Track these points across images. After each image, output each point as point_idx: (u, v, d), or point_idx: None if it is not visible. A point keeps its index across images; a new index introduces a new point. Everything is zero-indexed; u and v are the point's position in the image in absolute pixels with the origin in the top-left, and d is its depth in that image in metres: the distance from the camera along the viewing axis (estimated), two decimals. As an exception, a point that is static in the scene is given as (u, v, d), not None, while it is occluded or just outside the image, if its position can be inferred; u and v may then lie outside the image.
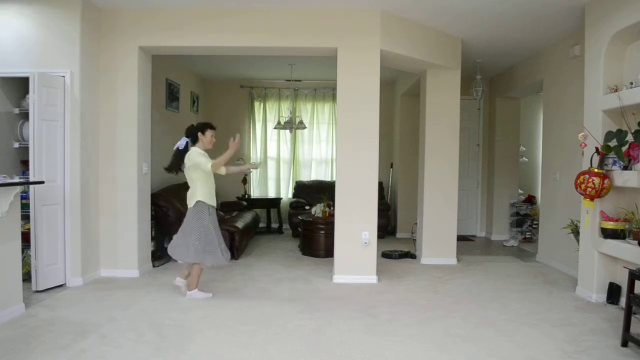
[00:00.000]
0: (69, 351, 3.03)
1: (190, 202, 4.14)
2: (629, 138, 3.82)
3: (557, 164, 5.70)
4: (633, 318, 3.28)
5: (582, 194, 4.04)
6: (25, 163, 4.72)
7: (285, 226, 8.49)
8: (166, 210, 5.92)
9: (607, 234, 4.09)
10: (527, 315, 3.90)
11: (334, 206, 5.12)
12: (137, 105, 4.99)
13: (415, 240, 6.40)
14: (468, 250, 6.78)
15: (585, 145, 4.24)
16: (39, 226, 4.31)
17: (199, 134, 4.21)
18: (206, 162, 4.07)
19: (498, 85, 7.71)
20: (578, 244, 4.63)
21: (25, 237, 4.24)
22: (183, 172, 4.20)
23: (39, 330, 3.37)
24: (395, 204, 8.33)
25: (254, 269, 5.50)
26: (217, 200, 4.25)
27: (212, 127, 4.28)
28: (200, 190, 4.11)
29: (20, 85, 4.75)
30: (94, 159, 4.91)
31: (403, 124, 8.04)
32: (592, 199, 3.99)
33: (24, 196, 4.31)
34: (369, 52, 4.95)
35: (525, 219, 7.59)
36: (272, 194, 8.81)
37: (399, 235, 8.05)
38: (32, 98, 4.28)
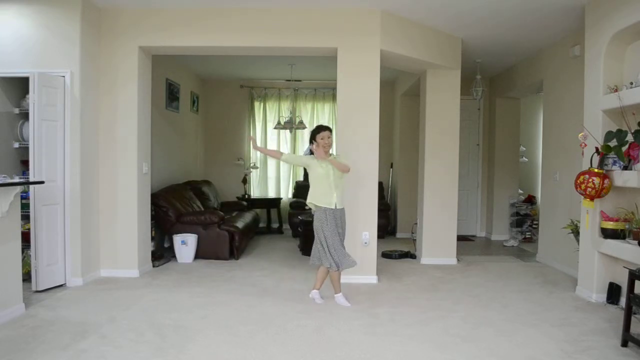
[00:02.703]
0: (69, 351, 3.03)
1: None
2: (629, 138, 3.82)
3: (557, 164, 5.69)
4: (633, 318, 3.28)
5: (582, 194, 4.04)
6: (25, 163, 4.72)
7: (285, 226, 8.48)
8: (166, 210, 5.92)
9: (607, 234, 4.09)
10: (527, 315, 3.90)
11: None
12: (137, 105, 4.98)
13: (415, 240, 6.40)
14: (468, 250, 6.78)
15: (585, 145, 4.24)
16: (39, 226, 4.31)
17: (311, 145, 4.12)
18: (302, 158, 4.20)
19: (498, 85, 7.71)
20: (578, 244, 4.63)
21: (25, 237, 4.24)
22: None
23: (39, 330, 3.37)
24: (395, 204, 8.33)
25: (254, 268, 5.50)
26: (337, 200, 4.02)
27: (318, 131, 4.08)
28: (316, 191, 4.06)
29: (20, 85, 4.75)
30: (94, 159, 4.91)
31: (403, 124, 8.03)
32: (592, 199, 3.99)
33: (24, 196, 4.31)
34: (369, 52, 4.95)
35: (525, 219, 7.59)
36: (272, 194, 8.82)
37: (399, 235, 8.04)
38: (32, 98, 4.28)
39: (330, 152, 4.14)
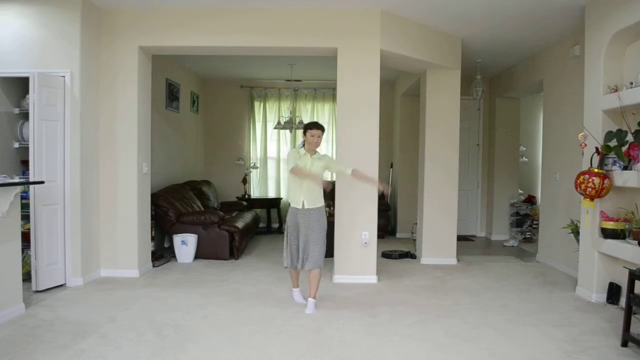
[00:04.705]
0: (69, 351, 3.03)
1: None
2: (629, 138, 3.82)
3: (557, 164, 5.69)
4: (633, 318, 3.28)
5: (582, 194, 4.04)
6: (25, 163, 4.72)
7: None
8: (166, 210, 5.92)
9: (607, 234, 4.09)
10: (527, 315, 3.90)
11: (334, 206, 5.12)
12: (137, 105, 4.98)
13: (415, 240, 6.40)
14: (468, 250, 6.78)
15: (585, 145, 4.24)
16: (39, 226, 4.30)
17: (303, 136, 4.07)
18: (288, 165, 3.99)
19: (498, 85, 7.71)
20: (578, 244, 4.63)
21: (25, 237, 4.24)
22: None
23: (39, 330, 3.37)
24: (395, 204, 8.33)
25: (254, 269, 5.50)
26: (305, 200, 3.96)
27: (310, 127, 4.02)
28: (289, 191, 4.06)
29: (20, 85, 4.75)
30: (94, 159, 4.91)
31: (403, 124, 8.03)
32: (592, 199, 3.99)
33: (24, 196, 4.31)
34: (369, 52, 4.94)
35: (525, 219, 7.59)
36: (272, 194, 8.81)
37: (399, 235, 8.04)
38: (32, 98, 4.28)
39: (317, 150, 4.09)
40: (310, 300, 3.99)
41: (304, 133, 4.05)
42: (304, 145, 4.09)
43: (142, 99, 5.10)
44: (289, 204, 4.08)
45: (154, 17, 4.93)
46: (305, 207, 3.97)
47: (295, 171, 3.97)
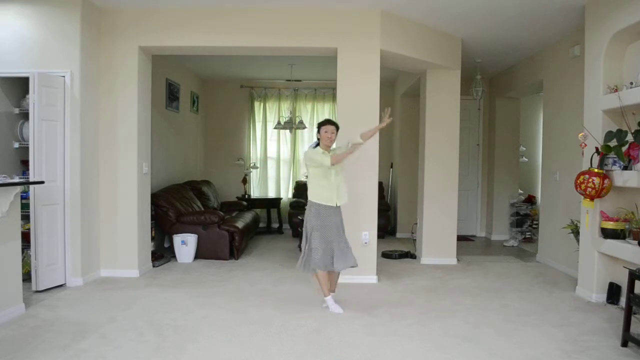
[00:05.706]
0: (69, 351, 3.03)
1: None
2: (629, 138, 3.82)
3: (557, 164, 5.69)
4: (633, 318, 3.28)
5: (582, 194, 4.04)
6: (25, 163, 4.73)
7: (285, 226, 8.49)
8: (166, 210, 5.92)
9: (607, 234, 4.09)
10: (527, 315, 3.90)
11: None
12: (137, 105, 4.98)
13: (415, 240, 6.40)
14: (468, 250, 6.78)
15: (585, 145, 4.24)
16: (39, 226, 4.30)
17: (317, 134, 4.06)
18: (323, 159, 3.89)
19: (498, 85, 7.71)
20: (578, 244, 4.63)
21: (25, 237, 4.24)
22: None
23: (39, 330, 3.37)
24: (395, 204, 8.33)
25: (254, 269, 5.50)
26: (338, 197, 3.95)
27: (323, 124, 4.03)
28: (311, 190, 4.00)
29: (20, 85, 4.75)
30: (94, 159, 4.91)
31: (403, 124, 8.03)
32: (592, 199, 3.99)
33: (24, 196, 4.31)
34: (369, 52, 4.94)
35: (525, 219, 7.59)
36: (272, 194, 8.82)
37: (399, 235, 8.04)
38: (32, 98, 4.28)
39: (332, 147, 4.11)
40: (332, 297, 3.99)
41: (318, 131, 4.06)
42: (317, 144, 4.07)
43: (142, 99, 5.10)
44: (312, 204, 3.98)
45: (154, 17, 4.93)
46: (338, 204, 3.98)
47: (339, 157, 3.88)
